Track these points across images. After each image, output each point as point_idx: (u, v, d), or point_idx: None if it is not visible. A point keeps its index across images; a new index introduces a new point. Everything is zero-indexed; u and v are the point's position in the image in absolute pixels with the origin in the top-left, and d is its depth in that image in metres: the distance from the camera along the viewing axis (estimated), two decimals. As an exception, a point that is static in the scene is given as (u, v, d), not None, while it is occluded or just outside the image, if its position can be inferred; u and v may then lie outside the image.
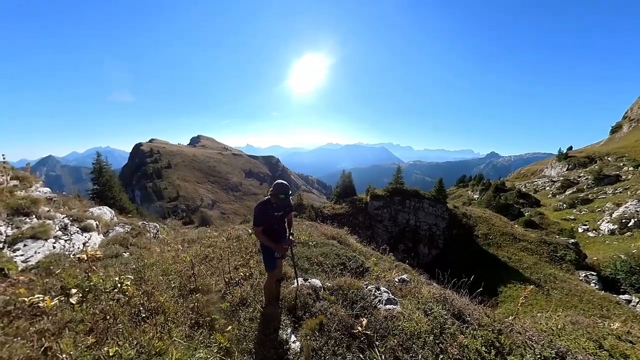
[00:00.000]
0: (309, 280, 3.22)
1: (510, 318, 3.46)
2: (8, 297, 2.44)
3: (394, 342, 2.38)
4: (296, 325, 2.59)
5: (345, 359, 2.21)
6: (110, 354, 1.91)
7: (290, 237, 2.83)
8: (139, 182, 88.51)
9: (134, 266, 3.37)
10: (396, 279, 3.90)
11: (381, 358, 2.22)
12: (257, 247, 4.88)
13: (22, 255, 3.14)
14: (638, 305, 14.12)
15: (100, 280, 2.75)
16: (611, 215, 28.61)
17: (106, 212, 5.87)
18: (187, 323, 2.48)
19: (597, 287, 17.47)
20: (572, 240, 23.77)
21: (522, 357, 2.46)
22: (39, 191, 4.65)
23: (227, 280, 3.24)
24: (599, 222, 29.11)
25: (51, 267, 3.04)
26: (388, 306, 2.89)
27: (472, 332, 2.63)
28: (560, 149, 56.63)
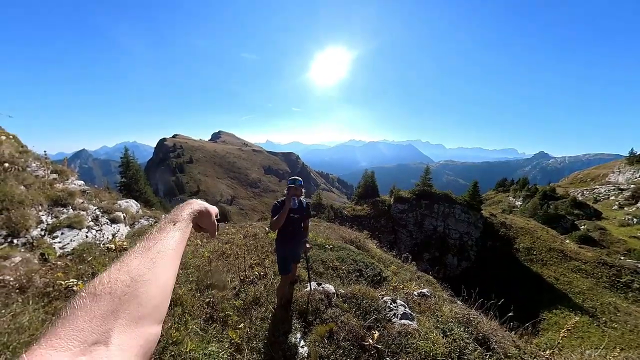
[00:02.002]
0: (323, 285, 3.28)
1: (547, 352, 3.16)
2: (48, 280, 2.87)
3: None
4: (306, 330, 2.66)
5: None
6: None
7: (306, 242, 2.89)
8: (162, 176, 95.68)
9: None
10: (415, 293, 3.80)
11: None
12: (272, 246, 5.05)
13: (59, 242, 3.64)
14: None
15: (127, 270, 3.07)
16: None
17: (132, 205, 6.48)
18: (202, 317, 2.69)
19: None
20: (642, 263, 20.99)
21: None
22: (74, 184, 5.29)
23: (242, 278, 3.43)
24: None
25: (84, 255, 3.49)
26: (403, 321, 2.83)
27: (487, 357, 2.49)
28: (632, 149, 49.74)
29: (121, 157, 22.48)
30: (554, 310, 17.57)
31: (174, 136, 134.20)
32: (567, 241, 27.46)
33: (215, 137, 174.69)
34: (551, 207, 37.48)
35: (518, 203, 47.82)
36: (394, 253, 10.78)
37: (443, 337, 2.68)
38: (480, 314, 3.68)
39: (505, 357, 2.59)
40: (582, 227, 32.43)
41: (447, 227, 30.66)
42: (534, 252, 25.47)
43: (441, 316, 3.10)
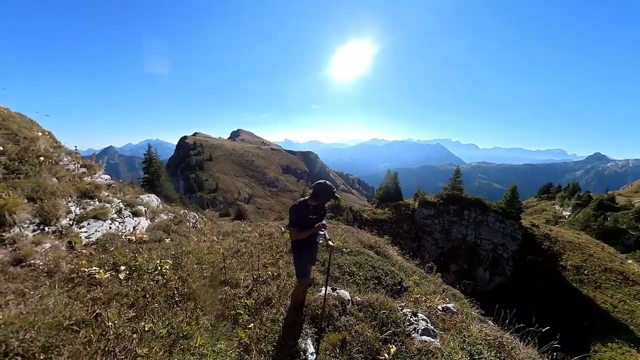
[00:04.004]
0: (337, 291, 3.24)
1: None
2: (73, 266, 3.17)
3: None
4: (317, 337, 2.63)
5: None
6: (146, 329, 2.31)
7: (329, 241, 2.86)
8: (183, 173, 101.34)
9: (173, 252, 3.97)
10: (440, 307, 3.61)
11: None
12: (287, 247, 5.11)
13: (85, 232, 4.00)
14: None
15: (145, 261, 3.31)
16: None
17: (153, 200, 6.94)
18: (214, 313, 2.81)
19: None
20: None
21: None
22: (101, 178, 5.79)
23: (255, 277, 3.51)
24: None
25: (107, 245, 3.81)
26: (424, 337, 2.70)
27: None
28: None
29: (144, 154, 24.20)
30: (609, 344, 15.80)
31: (194, 134, 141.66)
32: (630, 261, 24.61)
33: (234, 135, 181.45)
34: (609, 219, 33.86)
35: (566, 213, 43.91)
36: (417, 262, 10.40)
37: None
38: (515, 339, 3.39)
39: None
40: (647, 243, 29.00)
41: (479, 237, 29.04)
42: (586, 272, 23.11)
43: (468, 336, 2.91)
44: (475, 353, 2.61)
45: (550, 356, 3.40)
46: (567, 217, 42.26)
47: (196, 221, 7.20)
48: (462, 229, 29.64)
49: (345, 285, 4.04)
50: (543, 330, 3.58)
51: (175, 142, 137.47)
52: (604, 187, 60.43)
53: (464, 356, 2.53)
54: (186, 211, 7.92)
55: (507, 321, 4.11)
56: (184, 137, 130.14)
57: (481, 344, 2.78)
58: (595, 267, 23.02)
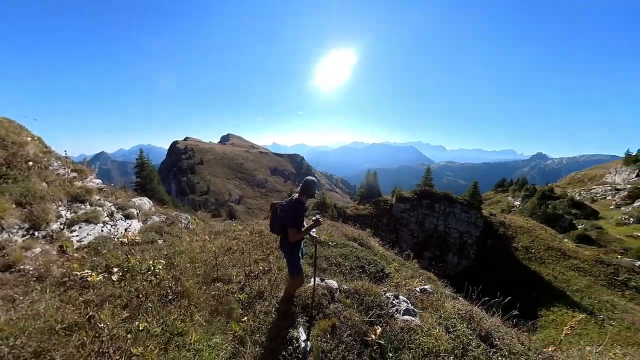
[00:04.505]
0: (326, 281, 3.22)
1: (550, 349, 3.07)
2: (64, 270, 2.91)
3: (408, 356, 2.26)
4: (309, 325, 2.60)
5: None
6: (140, 328, 2.17)
7: (314, 234, 2.77)
8: (174, 177, 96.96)
9: (165, 252, 3.75)
10: (418, 289, 3.70)
11: None
12: (277, 243, 5.02)
13: (77, 235, 3.70)
14: None
15: (137, 263, 3.11)
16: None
17: (145, 203, 6.56)
18: (208, 309, 2.68)
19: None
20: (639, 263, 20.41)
21: None
22: (92, 182, 5.39)
23: (247, 272, 3.41)
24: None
25: (99, 248, 3.54)
26: (406, 317, 2.76)
27: (500, 359, 2.39)
28: (628, 150, 48.59)
29: (136, 159, 22.86)
30: (552, 308, 17.16)
31: (185, 139, 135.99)
32: (565, 240, 26.82)
33: (224, 139, 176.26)
34: (549, 206, 36.64)
35: (517, 203, 46.91)
36: (395, 251, 10.62)
37: (446, 334, 2.59)
38: (482, 311, 3.57)
39: (510, 353, 2.50)
40: (580, 226, 31.65)
41: (448, 226, 30.22)
42: (533, 251, 24.96)
43: (444, 312, 3.01)
44: (450, 326, 2.71)
45: (510, 323, 3.64)
46: (517, 206, 45.17)
47: (188, 222, 6.90)
48: (434, 220, 30.71)
49: (332, 275, 4.04)
50: (504, 301, 3.82)
51: (167, 147, 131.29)
52: (545, 181, 65.28)
53: (441, 330, 2.61)
54: (178, 213, 7.57)
55: (474, 297, 4.35)
56: (175, 142, 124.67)
57: (455, 317, 2.89)
58: (540, 246, 24.89)
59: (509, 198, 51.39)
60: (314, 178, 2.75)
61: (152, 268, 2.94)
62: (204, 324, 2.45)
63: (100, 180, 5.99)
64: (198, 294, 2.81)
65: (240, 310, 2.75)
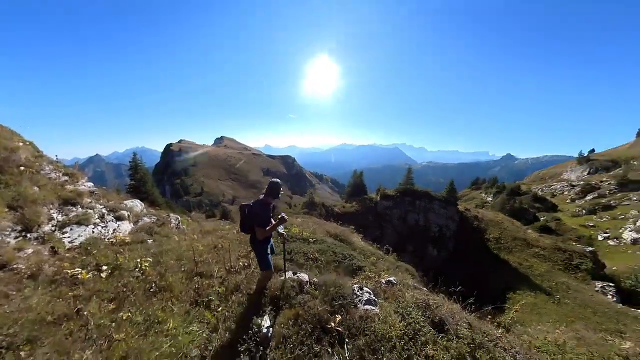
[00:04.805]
0: (298, 274, 3.36)
1: (499, 331, 3.20)
2: (56, 269, 2.96)
3: (362, 341, 2.32)
4: (274, 314, 2.68)
5: (312, 350, 2.24)
6: (124, 318, 2.31)
7: (281, 230, 2.93)
8: (169, 179, 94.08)
9: (153, 251, 3.83)
10: (383, 281, 3.82)
11: (347, 356, 2.18)
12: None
13: (69, 237, 3.72)
14: (657, 319, 12.80)
15: (125, 261, 3.20)
16: (635, 224, 26.06)
17: (137, 204, 6.53)
18: (188, 301, 2.81)
19: (614, 299, 16.02)
20: (590, 249, 21.96)
21: None
22: (84, 185, 5.33)
23: (227, 268, 3.55)
24: (621, 230, 26.62)
25: (89, 248, 3.58)
26: (367, 306, 2.85)
27: (445, 343, 2.45)
28: (581, 151, 52.21)
29: (130, 162, 22.15)
30: (518, 291, 18.21)
31: (179, 141, 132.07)
32: (529, 231, 28.37)
33: (218, 142, 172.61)
34: (516, 202, 38.52)
35: (489, 199, 49.00)
36: (378, 246, 10.81)
37: (401, 321, 2.66)
38: (444, 299, 3.67)
39: (456, 337, 2.56)
40: (542, 218, 33.53)
41: (428, 221, 31.08)
42: (502, 241, 26.25)
43: (403, 302, 3.08)
44: (406, 314, 2.81)
45: (471, 307, 3.73)
46: (490, 202, 47.16)
47: (179, 222, 6.91)
48: (415, 215, 31.51)
49: (308, 270, 4.06)
50: (459, 289, 4.06)
51: (161, 149, 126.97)
52: (513, 179, 68.61)
53: (396, 317, 2.71)
54: (169, 213, 7.55)
55: (440, 286, 4.58)
56: (169, 145, 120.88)
57: (411, 306, 2.98)
58: (508, 237, 26.24)
59: (482, 195, 53.59)
60: (278, 180, 2.87)
61: (140, 265, 3.05)
62: (183, 314, 2.57)
63: (92, 184, 5.93)
64: (180, 288, 2.94)
65: (218, 301, 2.86)
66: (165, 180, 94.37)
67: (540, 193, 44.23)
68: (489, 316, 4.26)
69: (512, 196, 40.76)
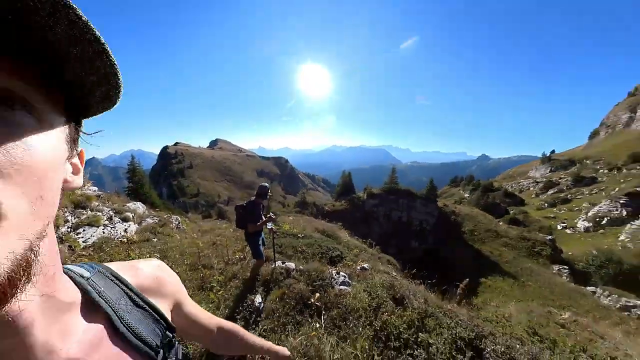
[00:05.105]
0: (286, 263, 3.74)
1: (452, 305, 3.65)
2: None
3: (336, 312, 2.74)
4: (265, 294, 3.08)
5: (295, 319, 2.64)
6: None
7: (270, 226, 3.35)
8: (165, 180, 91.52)
9: (159, 248, 4.13)
10: (358, 267, 4.29)
11: (323, 323, 2.59)
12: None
13: (82, 237, 3.94)
14: (601, 296, 14.15)
15: (136, 256, 3.51)
16: (587, 214, 28.21)
17: (139, 207, 6.70)
18: (194, 287, 3.16)
19: (568, 279, 17.45)
20: (550, 237, 23.63)
21: (437, 335, 2.55)
22: (90, 190, 5.49)
23: (225, 261, 3.91)
24: (575, 220, 28.74)
25: (103, 246, 3.81)
26: (342, 287, 3.27)
27: (401, 312, 2.84)
28: (544, 152, 55.76)
29: (128, 165, 21.69)
30: (489, 277, 19.38)
31: (175, 144, 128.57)
32: (500, 223, 30.01)
33: (213, 144, 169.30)
34: (490, 197, 40.47)
35: (466, 195, 51.08)
36: (364, 240, 11.25)
37: (368, 297, 3.07)
38: (410, 282, 4.14)
39: (412, 308, 2.99)
40: (511, 212, 35.44)
41: (410, 217, 32.12)
42: (476, 233, 27.61)
43: (371, 282, 3.50)
44: (372, 292, 3.22)
45: (436, 288, 4.19)
46: (467, 197, 49.15)
47: (179, 223, 7.14)
48: (398, 212, 32.45)
49: (296, 260, 4.53)
50: (435, 276, 4.50)
51: (158, 152, 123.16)
52: (487, 177, 71.76)
53: (365, 295, 3.11)
54: (170, 215, 7.74)
55: (407, 271, 5.08)
56: (166, 147, 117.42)
57: (378, 286, 3.39)
58: (481, 229, 27.68)
59: (461, 191, 55.79)
60: (266, 184, 3.25)
61: None
62: (191, 296, 2.90)
63: (96, 188, 6.08)
64: (185, 277, 3.27)
65: (219, 287, 3.18)
66: (162, 182, 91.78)
67: (510, 189, 46.57)
68: (464, 299, 4.73)
69: (485, 192, 42.76)
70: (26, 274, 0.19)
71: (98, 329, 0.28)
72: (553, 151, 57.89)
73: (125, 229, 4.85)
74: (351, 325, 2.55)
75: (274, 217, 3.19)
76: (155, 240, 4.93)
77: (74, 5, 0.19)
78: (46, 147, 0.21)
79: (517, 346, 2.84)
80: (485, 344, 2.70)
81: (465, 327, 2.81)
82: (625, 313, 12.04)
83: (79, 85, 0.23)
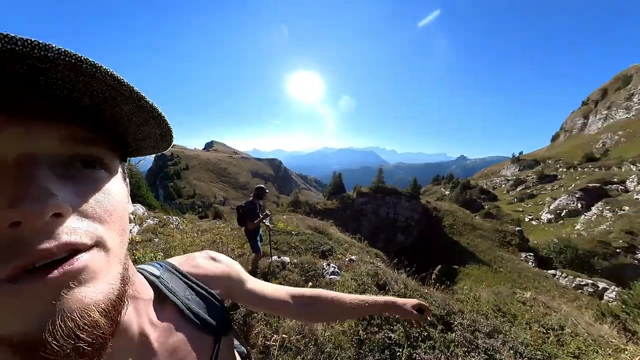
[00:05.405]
0: (282, 257, 3.92)
1: (429, 289, 3.87)
2: None
3: None
4: None
5: None
6: None
7: (267, 224, 3.51)
8: (162, 182, 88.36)
9: (162, 247, 4.16)
10: (347, 259, 4.58)
11: None
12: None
13: None
14: (560, 277, 15.30)
15: (141, 255, 3.55)
16: (549, 207, 30.20)
17: (139, 208, 6.62)
18: None
19: (533, 265, 18.66)
20: (518, 228, 25.06)
21: None
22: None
23: (226, 257, 4.00)
24: (540, 213, 30.68)
25: None
26: (332, 276, 3.49)
27: (383, 294, 3.15)
28: (513, 153, 58.96)
29: (126, 167, 20.90)
30: (466, 265, 20.31)
31: (172, 146, 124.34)
32: (476, 217, 31.38)
33: (208, 146, 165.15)
34: (467, 194, 42.18)
35: (447, 192, 52.86)
36: (353, 236, 11.48)
37: (354, 284, 3.30)
38: (394, 271, 4.38)
39: (392, 292, 3.25)
40: (486, 206, 37.15)
41: (396, 213, 32.91)
42: (455, 227, 28.73)
43: (358, 272, 3.72)
44: (358, 279, 3.45)
45: (416, 276, 4.44)
46: (447, 195, 50.93)
47: (178, 223, 7.10)
48: (386, 209, 33.15)
49: (290, 255, 4.70)
50: (415, 266, 4.78)
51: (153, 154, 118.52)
52: (465, 176, 74.84)
53: (352, 282, 3.32)
54: (169, 216, 7.66)
55: (391, 262, 5.34)
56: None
57: (364, 274, 3.62)
58: (460, 223, 28.86)
59: (442, 189, 57.69)
60: (262, 185, 3.44)
61: (154, 258, 3.41)
62: None
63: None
64: (190, 271, 3.36)
65: None
66: (159, 183, 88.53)
67: (485, 187, 48.78)
68: (443, 285, 5.03)
69: (464, 190, 44.51)
70: (126, 286, 0.25)
71: (170, 317, 0.34)
72: (521, 152, 61.36)
73: (130, 230, 4.82)
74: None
75: (269, 214, 3.36)
76: (156, 240, 4.94)
77: (145, 97, 0.24)
78: (117, 190, 0.27)
79: (482, 320, 3.18)
80: (454, 319, 3.01)
81: (438, 306, 3.07)
82: (579, 291, 13.26)
83: (135, 142, 0.30)
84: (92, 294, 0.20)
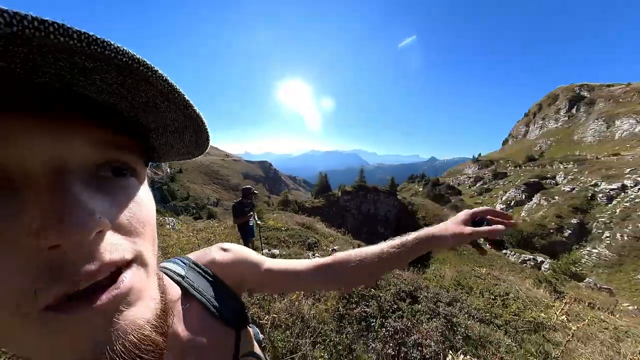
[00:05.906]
0: (272, 251, 4.03)
1: (402, 272, 4.10)
2: None
3: None
4: None
5: None
6: None
7: (257, 220, 3.58)
8: (156, 185, 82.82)
9: (160, 246, 3.98)
10: (330, 249, 4.84)
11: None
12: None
13: None
14: (510, 255, 16.92)
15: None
16: (502, 199, 33.23)
17: (133, 212, 6.27)
18: None
19: (490, 247, 20.41)
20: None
21: (386, 291, 2.94)
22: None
23: (221, 253, 3.98)
24: (495, 204, 33.40)
25: None
26: None
27: None
28: (474, 155, 63.94)
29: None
30: (437, 258, 21.60)
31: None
32: (445, 210, 33.36)
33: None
34: (437, 190, 44.65)
35: (420, 189, 55.49)
36: (339, 230, 11.71)
37: None
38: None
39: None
40: (452, 200, 39.61)
41: (376, 209, 34.02)
42: (427, 219, 30.26)
43: None
44: None
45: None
46: (420, 191, 53.48)
47: (174, 224, 6.86)
48: (367, 205, 34.08)
49: (280, 248, 4.80)
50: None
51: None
52: (435, 174, 79.39)
53: None
54: (165, 217, 7.35)
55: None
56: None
57: None
58: (431, 216, 30.45)
59: (416, 186, 60.44)
60: (249, 186, 3.52)
61: None
62: None
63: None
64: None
65: None
66: (153, 186, 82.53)
67: (451, 183, 52.04)
68: (416, 269, 5.30)
69: (434, 187, 47.07)
70: (166, 295, 0.23)
71: (197, 315, 0.33)
72: (480, 154, 66.93)
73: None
74: (323, 291, 2.96)
75: (252, 208, 3.43)
76: (153, 240, 4.77)
77: (191, 103, 0.20)
78: (147, 198, 0.24)
79: (444, 293, 3.55)
80: (421, 293, 3.33)
81: (407, 284, 3.37)
82: (524, 265, 14.92)
83: (164, 147, 0.26)
84: (142, 314, 0.19)
